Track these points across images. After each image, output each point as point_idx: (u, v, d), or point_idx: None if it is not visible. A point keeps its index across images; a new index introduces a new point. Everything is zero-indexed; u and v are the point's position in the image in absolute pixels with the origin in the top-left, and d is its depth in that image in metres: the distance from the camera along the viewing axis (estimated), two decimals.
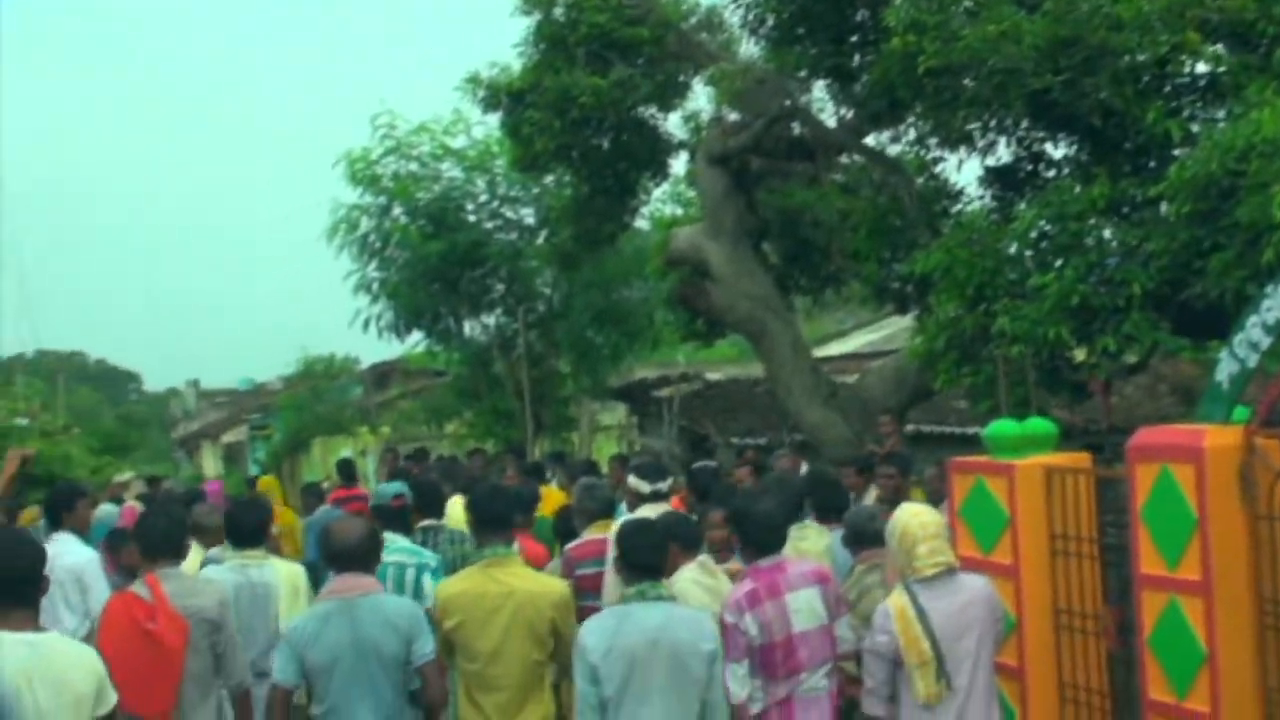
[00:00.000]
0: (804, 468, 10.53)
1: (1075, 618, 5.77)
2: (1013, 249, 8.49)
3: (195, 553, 7.34)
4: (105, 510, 10.23)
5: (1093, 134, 8.70)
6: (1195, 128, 8.19)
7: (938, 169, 10.94)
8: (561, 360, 19.68)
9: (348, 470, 13.23)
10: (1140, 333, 7.60)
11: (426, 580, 6.55)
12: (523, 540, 7.51)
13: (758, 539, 5.58)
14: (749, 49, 11.96)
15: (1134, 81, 8.18)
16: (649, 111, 12.91)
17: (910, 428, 11.99)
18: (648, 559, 5.11)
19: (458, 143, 18.91)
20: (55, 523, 7.31)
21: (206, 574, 6.45)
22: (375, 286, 18.97)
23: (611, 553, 5.98)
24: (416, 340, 19.96)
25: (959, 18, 8.70)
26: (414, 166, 18.88)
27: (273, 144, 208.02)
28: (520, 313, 18.04)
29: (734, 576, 5.97)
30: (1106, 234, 8.10)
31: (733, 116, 12.22)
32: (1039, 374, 7.94)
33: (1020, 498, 5.82)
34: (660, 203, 17.43)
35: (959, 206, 10.72)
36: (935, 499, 6.77)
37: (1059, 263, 8.10)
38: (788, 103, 11.43)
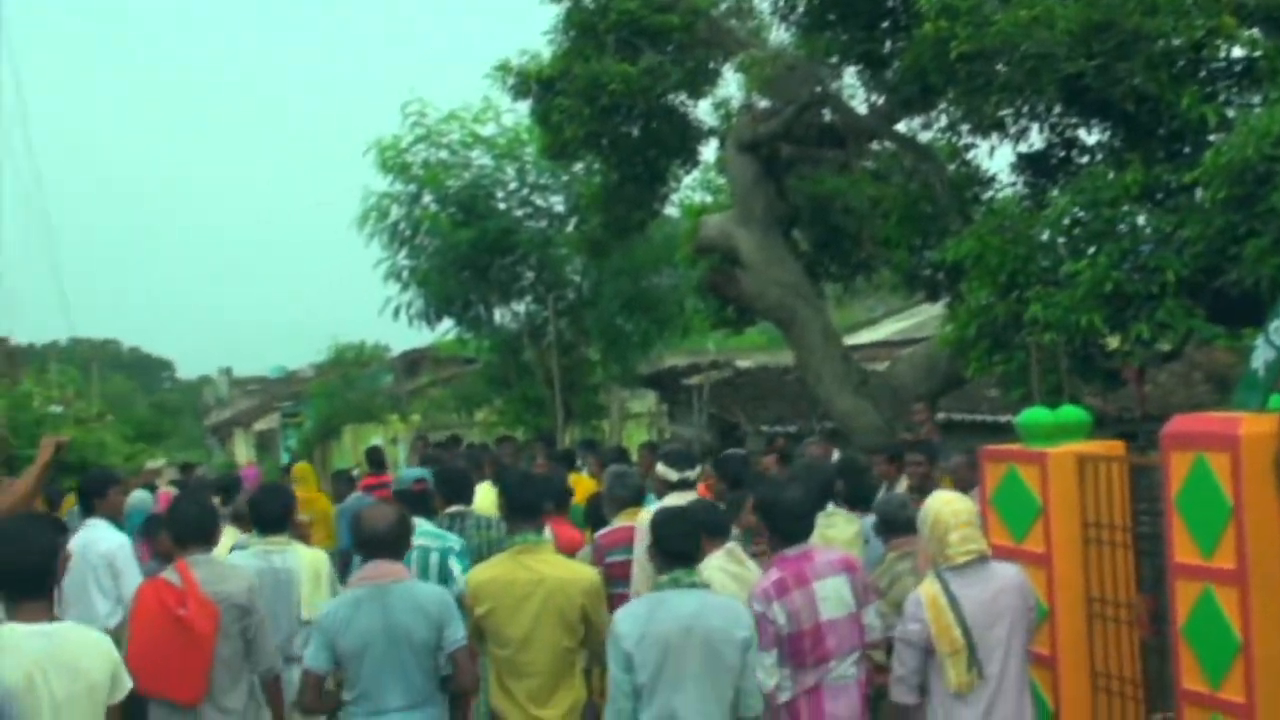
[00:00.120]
0: (835, 455, 10.50)
1: (1108, 606, 5.72)
2: (1045, 236, 8.44)
3: (228, 537, 7.40)
4: (140, 497, 10.27)
5: (1126, 119, 8.62)
6: (1231, 113, 8.11)
7: (969, 155, 10.90)
8: (591, 348, 19.72)
9: (376, 458, 13.34)
10: (1174, 320, 7.54)
11: (453, 563, 6.53)
12: (558, 526, 7.52)
13: (784, 528, 5.56)
14: (779, 35, 11.95)
15: (1168, 66, 8.10)
16: (679, 99, 12.90)
17: (941, 416, 11.96)
18: (682, 546, 5.10)
19: (488, 130, 18.97)
20: (88, 509, 7.36)
21: (231, 559, 6.49)
22: (405, 274, 19.04)
23: (642, 541, 5.98)
24: (446, 328, 20.07)
25: (991, 3, 8.65)
26: (444, 154, 18.93)
27: (305, 132, 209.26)
28: (550, 300, 18.08)
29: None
30: (1140, 220, 8.04)
31: (763, 103, 12.20)
32: (1072, 362, 7.89)
33: (1053, 486, 5.78)
34: (690, 190, 17.43)
35: (991, 193, 10.67)
36: (963, 487, 6.72)
37: (1092, 250, 8.04)
38: (818, 89, 11.39)
